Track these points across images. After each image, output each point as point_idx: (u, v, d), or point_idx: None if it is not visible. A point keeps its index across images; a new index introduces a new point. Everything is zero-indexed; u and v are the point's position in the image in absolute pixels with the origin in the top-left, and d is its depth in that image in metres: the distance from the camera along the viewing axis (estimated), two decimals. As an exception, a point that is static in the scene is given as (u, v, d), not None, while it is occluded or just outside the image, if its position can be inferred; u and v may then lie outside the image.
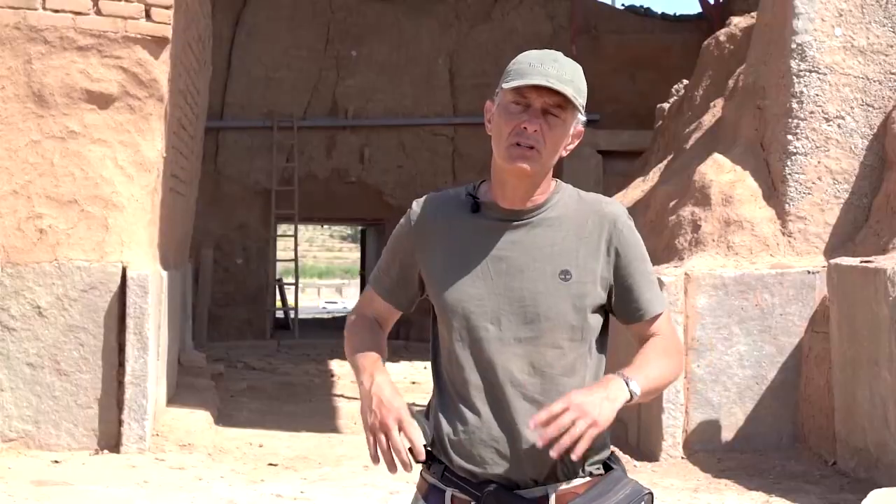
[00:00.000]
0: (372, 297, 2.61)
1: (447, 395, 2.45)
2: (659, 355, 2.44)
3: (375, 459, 2.36)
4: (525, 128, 2.34)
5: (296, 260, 18.11)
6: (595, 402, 2.26)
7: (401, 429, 2.32)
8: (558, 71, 2.34)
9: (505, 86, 2.35)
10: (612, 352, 2.51)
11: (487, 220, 2.44)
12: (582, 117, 2.40)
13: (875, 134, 8.00)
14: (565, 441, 2.22)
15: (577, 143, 2.45)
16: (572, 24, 17.74)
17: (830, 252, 7.81)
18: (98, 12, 7.31)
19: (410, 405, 2.40)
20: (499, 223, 2.43)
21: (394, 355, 10.95)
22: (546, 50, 2.42)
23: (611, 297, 2.45)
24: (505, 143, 2.37)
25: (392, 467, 2.34)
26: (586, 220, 2.43)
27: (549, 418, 2.24)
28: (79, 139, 7.37)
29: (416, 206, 2.53)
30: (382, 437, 2.33)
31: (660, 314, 2.49)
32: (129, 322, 7.16)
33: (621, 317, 2.47)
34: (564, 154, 2.44)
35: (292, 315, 18.09)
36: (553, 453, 2.24)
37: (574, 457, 2.24)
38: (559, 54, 2.40)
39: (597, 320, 2.44)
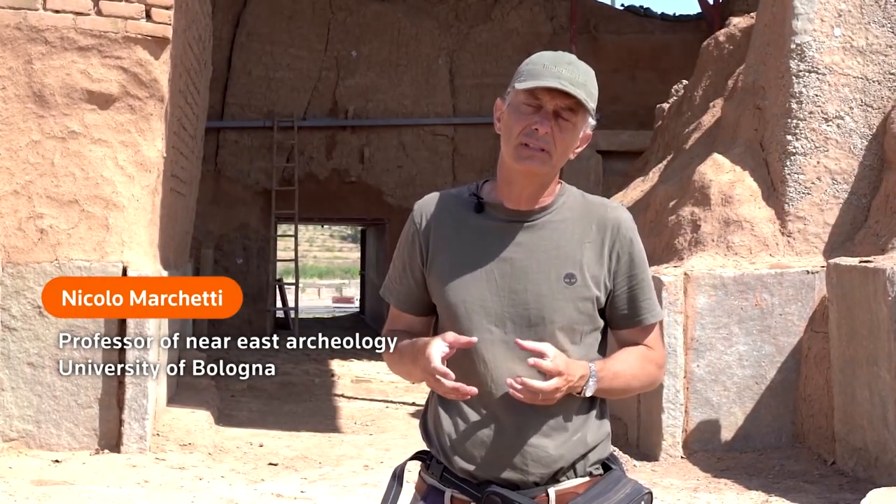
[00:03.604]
0: (396, 315, 2.56)
1: (448, 395, 2.45)
2: (638, 362, 2.45)
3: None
4: (536, 129, 2.34)
5: (296, 260, 18.11)
6: (571, 387, 2.32)
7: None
8: (572, 74, 2.33)
9: (518, 86, 2.34)
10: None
11: (492, 220, 2.43)
12: (592, 121, 2.40)
13: (874, 134, 8.01)
14: (527, 397, 2.30)
15: (584, 146, 2.45)
16: (572, 24, 17.76)
17: (830, 252, 7.82)
18: (98, 13, 7.32)
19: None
20: (504, 224, 2.42)
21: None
22: (559, 52, 2.41)
23: (607, 302, 2.45)
24: (514, 142, 2.36)
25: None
26: (591, 224, 2.43)
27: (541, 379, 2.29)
28: (79, 139, 7.38)
29: (419, 207, 2.51)
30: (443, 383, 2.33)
31: (654, 324, 2.50)
32: (130, 322, 7.17)
33: (616, 321, 2.47)
34: (572, 157, 2.43)
35: (292, 315, 18.10)
36: (518, 395, 2.30)
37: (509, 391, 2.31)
38: (573, 57, 2.39)
39: (598, 323, 2.45)
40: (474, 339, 2.34)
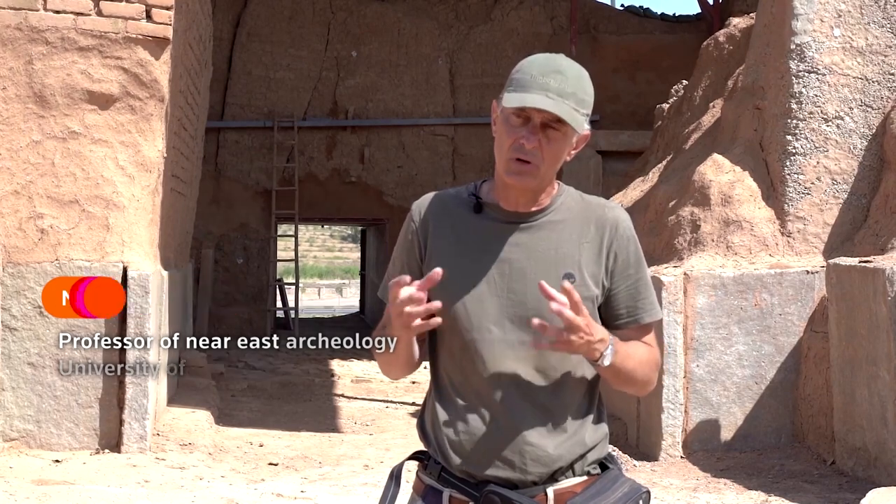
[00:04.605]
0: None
1: (446, 395, 2.45)
2: (643, 355, 2.44)
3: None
4: (523, 143, 2.33)
5: (296, 260, 18.13)
6: (589, 342, 2.28)
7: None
8: (560, 84, 2.31)
9: (505, 103, 2.33)
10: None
11: (491, 221, 2.43)
12: (586, 125, 2.37)
13: (874, 134, 8.01)
14: (545, 345, 2.27)
15: (582, 146, 2.44)
16: (572, 24, 17.76)
17: (829, 252, 7.82)
18: (99, 13, 7.33)
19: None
20: (502, 225, 2.43)
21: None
22: (551, 56, 2.37)
23: (604, 301, 2.44)
24: (505, 155, 2.36)
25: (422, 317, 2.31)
26: (589, 224, 2.43)
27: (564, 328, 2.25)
28: (80, 139, 7.39)
29: (417, 207, 2.51)
30: (407, 310, 2.29)
31: (653, 323, 2.49)
32: (130, 321, 7.18)
33: (614, 320, 2.46)
34: (568, 159, 2.43)
35: (292, 315, 18.11)
36: (534, 345, 2.29)
37: (534, 348, 2.29)
38: (563, 62, 2.35)
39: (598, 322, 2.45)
40: (439, 270, 2.29)
